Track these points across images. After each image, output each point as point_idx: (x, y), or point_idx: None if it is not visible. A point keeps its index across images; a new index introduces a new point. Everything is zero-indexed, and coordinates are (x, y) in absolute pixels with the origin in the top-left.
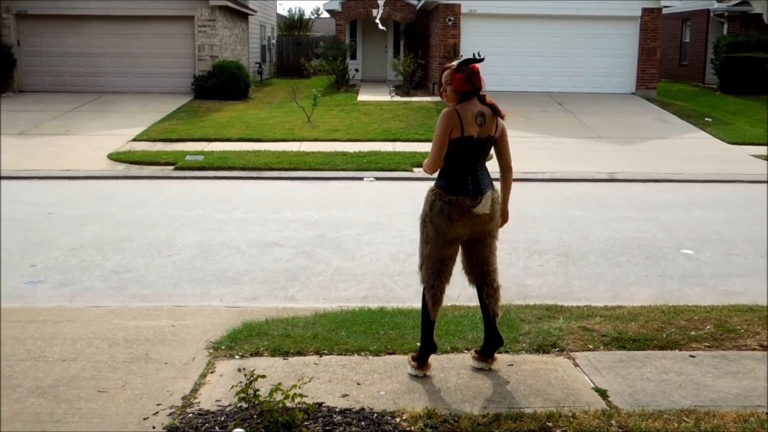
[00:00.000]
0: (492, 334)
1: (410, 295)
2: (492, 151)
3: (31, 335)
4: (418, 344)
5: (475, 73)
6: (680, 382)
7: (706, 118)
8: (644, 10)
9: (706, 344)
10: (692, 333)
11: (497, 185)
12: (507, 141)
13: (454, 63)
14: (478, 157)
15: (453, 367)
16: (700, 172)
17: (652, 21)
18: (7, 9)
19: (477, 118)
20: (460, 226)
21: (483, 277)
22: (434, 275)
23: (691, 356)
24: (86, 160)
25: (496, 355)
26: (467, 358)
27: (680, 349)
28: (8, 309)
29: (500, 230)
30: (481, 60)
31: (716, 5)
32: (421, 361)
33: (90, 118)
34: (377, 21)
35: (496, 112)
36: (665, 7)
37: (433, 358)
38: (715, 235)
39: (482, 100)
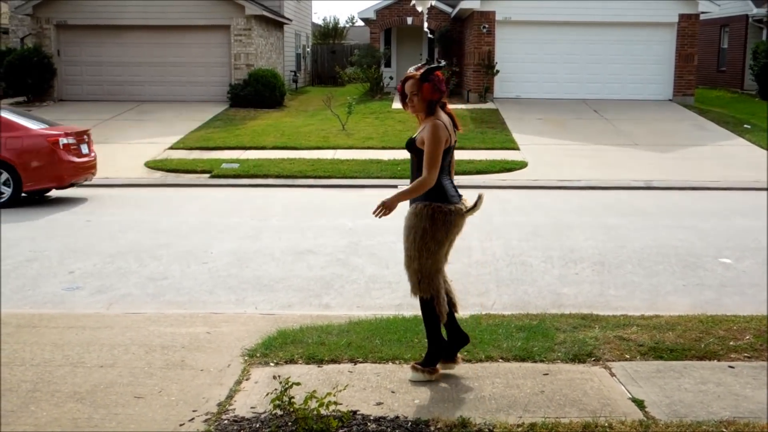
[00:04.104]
0: (456, 332)
1: None
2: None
3: (69, 341)
4: None
5: (441, 81)
6: (719, 393)
7: (745, 125)
8: (681, 16)
9: (746, 355)
10: (731, 343)
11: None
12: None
13: (413, 71)
14: (450, 164)
15: (487, 376)
16: (739, 179)
17: (689, 27)
18: (47, 19)
19: (451, 126)
20: (456, 233)
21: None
22: (438, 285)
23: (730, 367)
24: (124, 168)
25: (458, 356)
26: (502, 367)
27: (719, 360)
28: (47, 315)
29: (536, 238)
30: (443, 67)
31: (755, 11)
32: (431, 364)
33: (128, 127)
34: (425, 28)
35: (453, 121)
36: (703, 13)
37: (468, 367)
38: (755, 244)
39: (443, 107)
